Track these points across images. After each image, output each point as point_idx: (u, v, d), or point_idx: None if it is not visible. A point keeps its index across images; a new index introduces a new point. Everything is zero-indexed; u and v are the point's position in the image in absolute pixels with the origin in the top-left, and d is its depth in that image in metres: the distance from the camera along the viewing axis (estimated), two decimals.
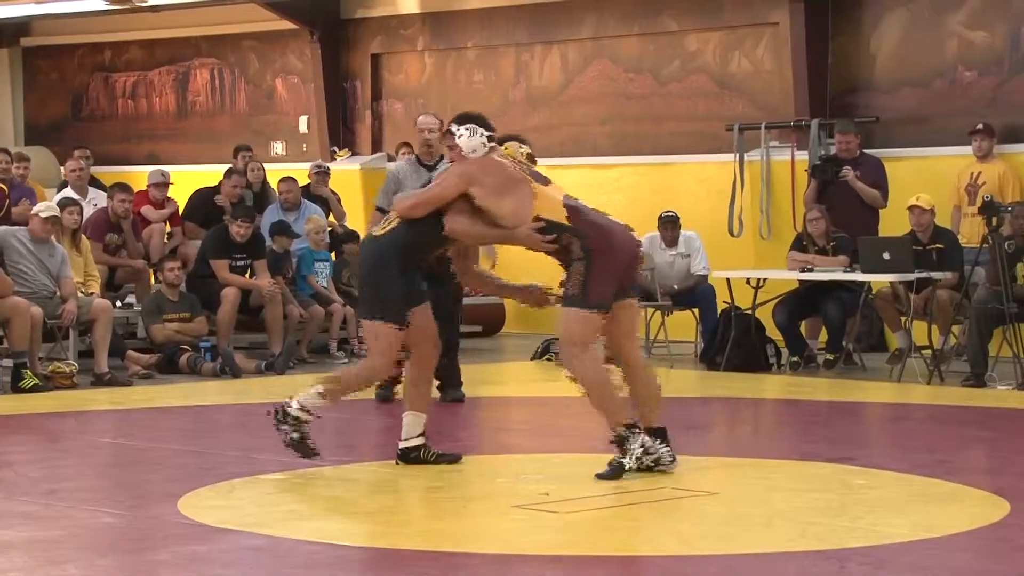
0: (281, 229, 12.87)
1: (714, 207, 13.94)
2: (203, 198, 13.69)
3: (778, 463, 7.74)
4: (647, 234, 12.92)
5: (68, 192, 13.09)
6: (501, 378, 12.02)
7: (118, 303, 12.35)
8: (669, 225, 12.71)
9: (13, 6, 16.55)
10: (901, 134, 13.30)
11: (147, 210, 13.40)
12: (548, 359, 12.36)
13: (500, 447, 8.36)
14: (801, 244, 12.16)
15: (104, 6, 15.92)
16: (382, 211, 9.75)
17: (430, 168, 9.39)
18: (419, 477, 7.20)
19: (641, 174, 14.65)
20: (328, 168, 14.58)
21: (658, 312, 12.64)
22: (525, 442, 8.65)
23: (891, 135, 13.31)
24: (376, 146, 16.30)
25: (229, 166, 14.02)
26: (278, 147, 16.79)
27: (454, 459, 7.37)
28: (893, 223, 12.12)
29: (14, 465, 8.03)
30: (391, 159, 16.07)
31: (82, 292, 11.55)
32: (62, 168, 14.25)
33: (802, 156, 13.59)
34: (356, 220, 14.86)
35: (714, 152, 14.19)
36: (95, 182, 13.86)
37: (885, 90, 13.49)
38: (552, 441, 8.74)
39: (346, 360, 12.47)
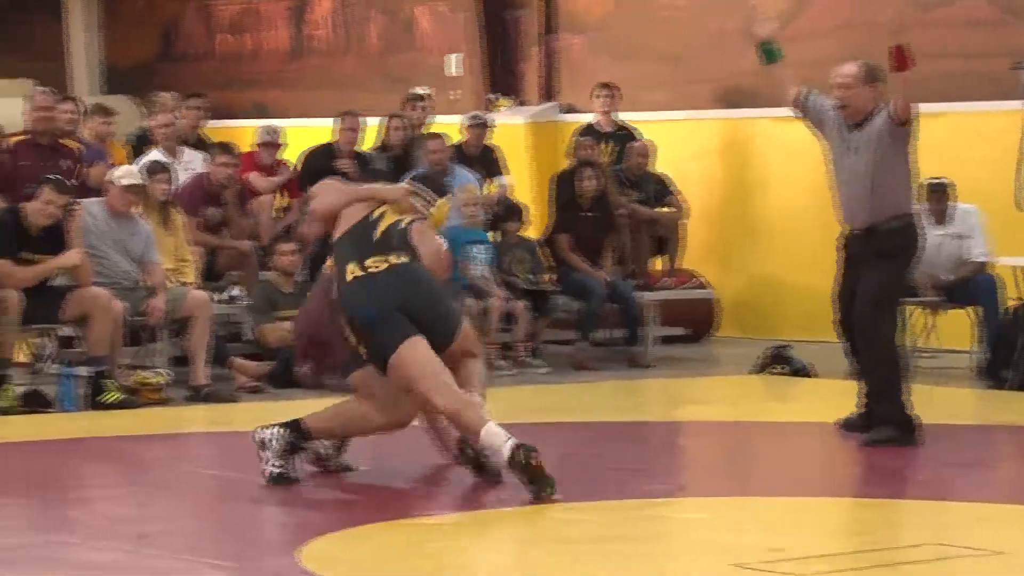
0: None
1: (997, 172, 13.67)
2: (316, 160, 13.77)
3: None
4: None
5: (155, 154, 13.30)
6: (713, 396, 11.97)
7: (218, 296, 12.54)
8: (938, 195, 12.54)
9: None
10: None
11: (254, 177, 13.57)
12: (774, 372, 12.31)
13: (714, 487, 8.30)
14: None
15: None
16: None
17: (851, 128, 9.47)
18: (617, 524, 7.23)
19: None
20: (487, 120, 14.60)
21: (925, 310, 12.48)
22: (748, 481, 8.59)
23: None
24: (548, 93, 16.33)
25: (349, 110, 14.05)
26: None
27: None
28: None
29: (92, 502, 8.20)
30: (570, 110, 16.09)
31: (173, 282, 11.76)
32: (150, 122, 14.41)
33: None
34: (523, 190, 14.91)
35: (996, 99, 13.96)
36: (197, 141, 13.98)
37: None
38: (781, 481, 8.67)
39: (513, 372, 12.52)
